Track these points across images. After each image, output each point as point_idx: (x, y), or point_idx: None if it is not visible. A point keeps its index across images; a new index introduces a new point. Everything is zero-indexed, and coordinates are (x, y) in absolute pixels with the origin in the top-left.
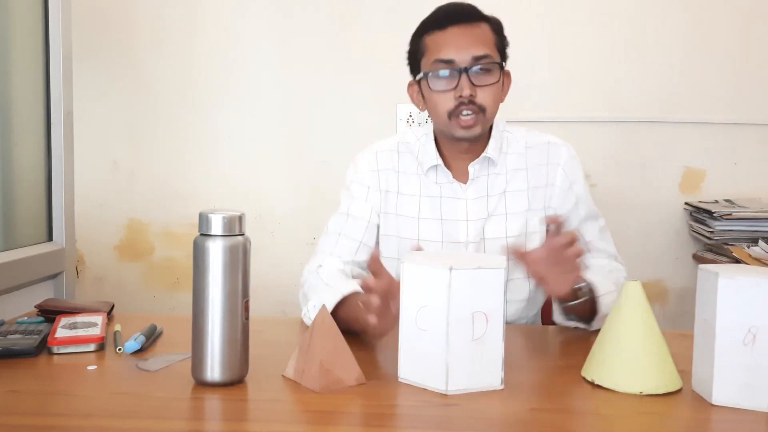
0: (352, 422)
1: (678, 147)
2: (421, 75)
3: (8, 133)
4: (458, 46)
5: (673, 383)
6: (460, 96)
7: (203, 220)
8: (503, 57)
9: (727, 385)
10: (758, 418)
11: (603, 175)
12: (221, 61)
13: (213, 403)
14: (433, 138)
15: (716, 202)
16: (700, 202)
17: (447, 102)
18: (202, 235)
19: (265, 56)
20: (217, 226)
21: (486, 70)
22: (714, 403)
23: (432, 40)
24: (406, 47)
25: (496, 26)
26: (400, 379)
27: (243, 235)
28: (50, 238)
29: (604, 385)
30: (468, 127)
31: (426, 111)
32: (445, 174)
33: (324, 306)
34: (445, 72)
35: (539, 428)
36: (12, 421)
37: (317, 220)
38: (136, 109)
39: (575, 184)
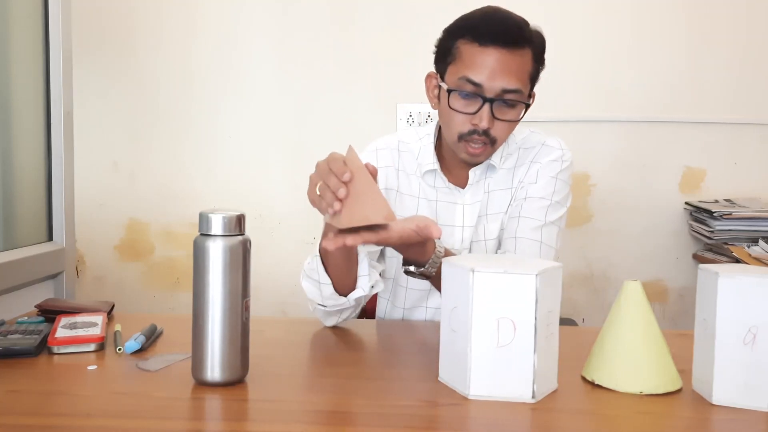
0: (352, 422)
1: (678, 147)
2: (444, 85)
3: (8, 133)
4: (492, 72)
5: (673, 383)
6: (476, 124)
7: (203, 220)
8: (534, 84)
9: (727, 384)
10: (758, 417)
11: (603, 175)
12: (221, 61)
13: (213, 403)
14: (433, 140)
15: (716, 201)
16: (700, 201)
17: (462, 124)
18: (202, 235)
19: (265, 56)
20: (217, 226)
21: (511, 105)
22: (714, 402)
23: (467, 50)
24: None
25: (537, 49)
26: (439, 380)
27: (243, 235)
28: (50, 238)
29: (604, 385)
30: (473, 155)
31: (436, 110)
32: (442, 179)
33: (351, 146)
34: (469, 94)
35: (539, 428)
36: (12, 421)
37: (317, 220)
38: (136, 109)
39: (538, 184)
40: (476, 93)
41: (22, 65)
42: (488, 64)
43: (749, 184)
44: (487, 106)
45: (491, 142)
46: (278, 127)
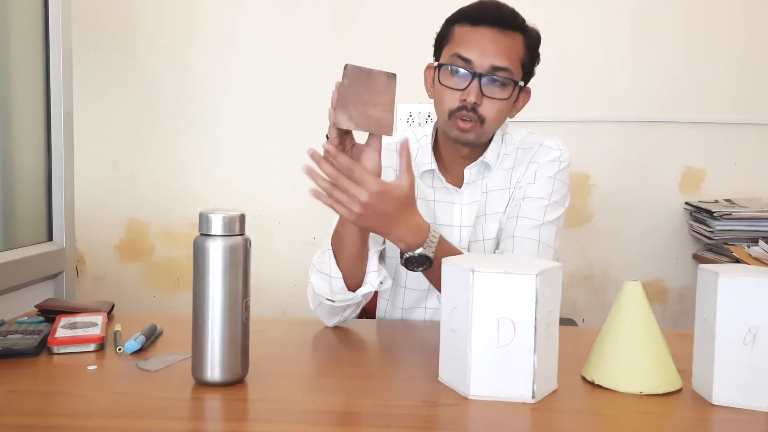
0: (353, 422)
1: (678, 147)
2: (437, 63)
3: (8, 133)
4: (482, 48)
5: (673, 383)
6: (465, 100)
7: (203, 220)
8: (527, 74)
9: (727, 384)
10: (758, 417)
11: (603, 175)
12: (221, 62)
13: (213, 403)
14: (431, 140)
15: (716, 201)
16: (700, 201)
17: (451, 100)
18: (202, 235)
19: (265, 56)
20: (217, 226)
21: (500, 84)
22: (714, 402)
23: (460, 31)
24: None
25: (531, 40)
26: (439, 380)
27: (243, 235)
28: (50, 238)
29: (604, 385)
30: (463, 131)
31: (432, 100)
32: (440, 179)
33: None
34: (459, 69)
35: (539, 428)
36: (12, 421)
37: (317, 220)
38: (136, 109)
39: (536, 184)
40: (466, 69)
41: (22, 65)
42: (479, 41)
43: (749, 184)
44: (475, 82)
45: (480, 121)
46: (278, 127)
